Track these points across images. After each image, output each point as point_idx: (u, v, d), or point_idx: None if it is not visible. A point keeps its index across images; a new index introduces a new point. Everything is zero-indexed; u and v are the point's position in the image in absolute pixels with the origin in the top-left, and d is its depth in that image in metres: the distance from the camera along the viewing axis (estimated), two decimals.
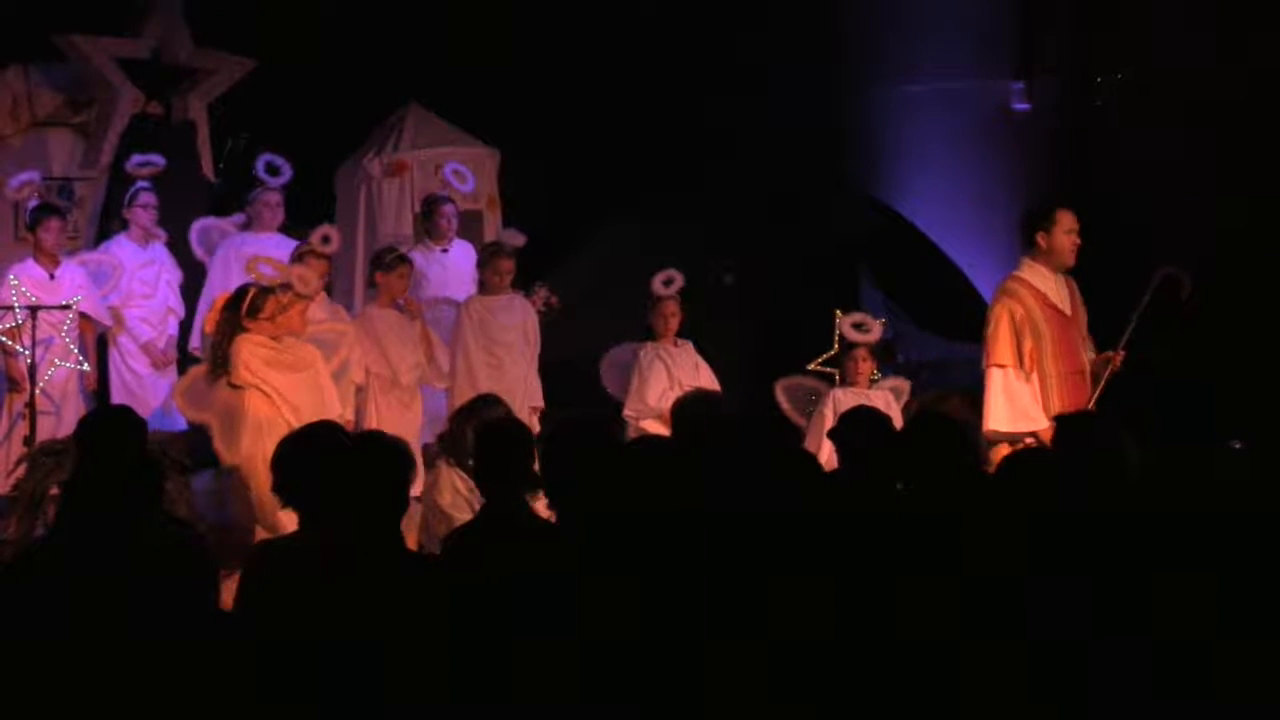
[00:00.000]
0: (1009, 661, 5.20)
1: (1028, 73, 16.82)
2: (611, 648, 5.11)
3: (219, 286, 12.30)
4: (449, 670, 5.20)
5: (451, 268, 13.14)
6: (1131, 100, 15.47)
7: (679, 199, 16.04)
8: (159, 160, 13.53)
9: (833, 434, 7.40)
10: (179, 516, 10.12)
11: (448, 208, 13.36)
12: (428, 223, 13.34)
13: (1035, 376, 9.61)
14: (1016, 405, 9.54)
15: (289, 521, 9.56)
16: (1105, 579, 5.40)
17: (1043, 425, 9.39)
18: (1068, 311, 9.76)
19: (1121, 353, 9.74)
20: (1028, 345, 9.58)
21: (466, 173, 14.33)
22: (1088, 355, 9.83)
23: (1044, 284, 9.70)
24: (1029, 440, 9.46)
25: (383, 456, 5.83)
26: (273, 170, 13.41)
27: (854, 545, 5.80)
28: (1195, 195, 14.20)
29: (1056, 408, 9.40)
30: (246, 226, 13.26)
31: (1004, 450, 9.17)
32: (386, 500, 5.75)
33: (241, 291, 10.70)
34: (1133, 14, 15.44)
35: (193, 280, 13.43)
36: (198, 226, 13.33)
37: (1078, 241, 9.72)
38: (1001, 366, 9.59)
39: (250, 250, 12.32)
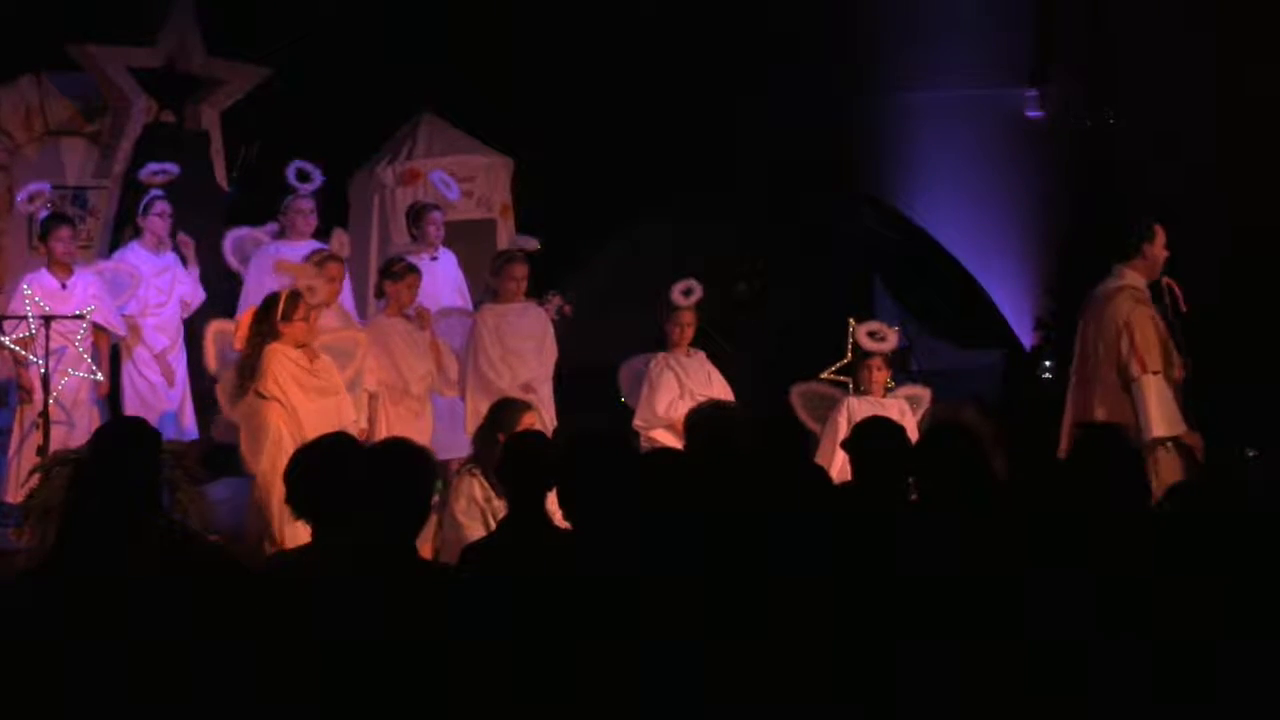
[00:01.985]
0: (1013, 661, 5.22)
1: (1041, 80, 16.84)
2: (619, 650, 5.12)
3: (255, 296, 12.18)
4: (464, 677, 5.21)
5: (439, 275, 13.16)
6: (1143, 107, 15.48)
7: (690, 204, 16.05)
8: (173, 168, 13.53)
9: (847, 444, 7.39)
10: (190, 526, 10.14)
11: (436, 214, 13.40)
12: (416, 229, 13.34)
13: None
14: (1171, 410, 9.76)
15: (298, 537, 9.64)
16: (1110, 580, 5.42)
17: (1183, 429, 9.73)
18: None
19: (1188, 360, 9.94)
20: (1172, 353, 9.74)
21: (451, 180, 14.36)
22: None
23: (1145, 291, 9.98)
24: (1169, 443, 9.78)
25: (405, 463, 5.81)
26: (304, 176, 13.39)
27: (866, 548, 5.81)
28: (1210, 200, 14.20)
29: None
30: (281, 235, 13.23)
31: (1162, 454, 9.63)
32: (406, 507, 5.73)
33: (272, 299, 10.74)
34: (1146, 20, 15.43)
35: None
36: (231, 236, 13.29)
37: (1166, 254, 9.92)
38: (1157, 373, 9.72)
39: (284, 259, 12.33)
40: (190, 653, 5.34)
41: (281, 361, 10.47)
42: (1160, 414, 9.71)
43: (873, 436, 7.23)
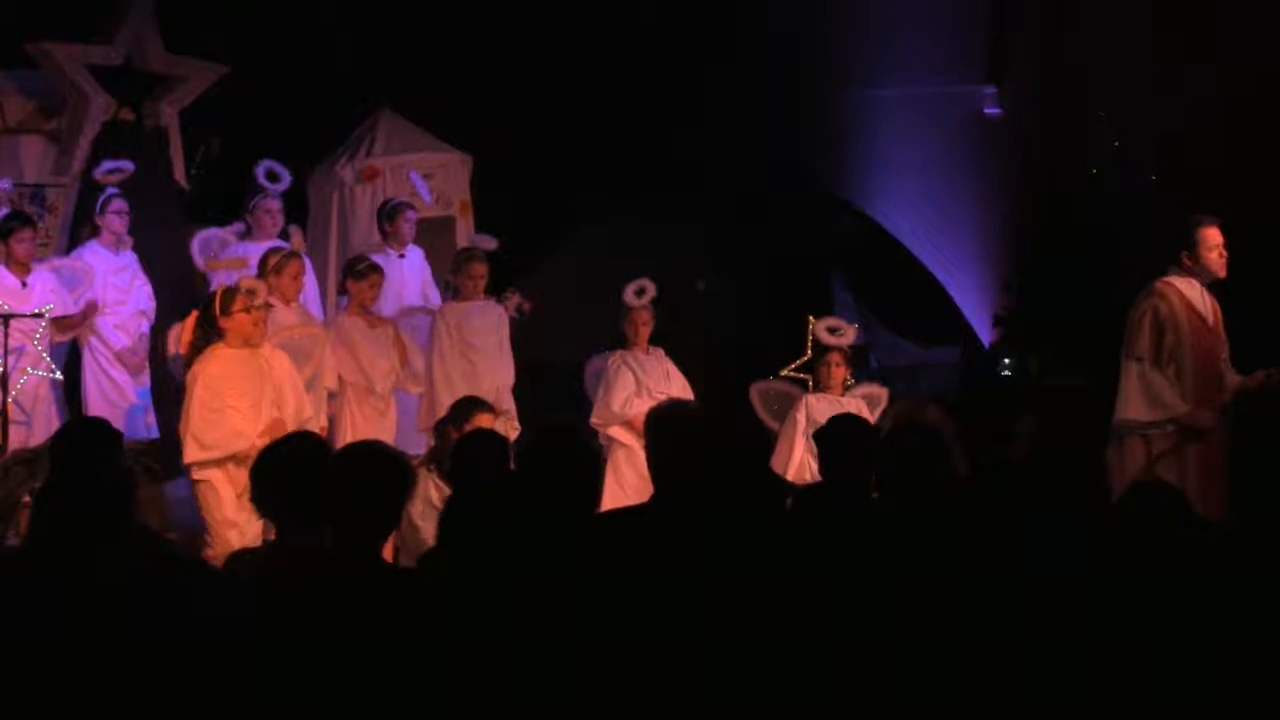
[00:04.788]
0: (1006, 661, 5.24)
1: (1000, 77, 16.88)
2: (604, 649, 5.12)
3: None
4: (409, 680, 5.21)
5: (407, 273, 13.18)
6: (1105, 109, 15.54)
7: (650, 202, 16.06)
8: (128, 166, 13.47)
9: (819, 435, 7.34)
10: (150, 526, 10.13)
11: (410, 213, 13.44)
12: (390, 226, 13.34)
13: (1172, 370, 9.90)
14: (1154, 396, 9.84)
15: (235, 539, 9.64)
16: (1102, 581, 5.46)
17: (1181, 410, 9.77)
18: (1210, 320, 10.04)
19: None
20: (1169, 340, 9.87)
21: (425, 184, 14.41)
22: (1230, 372, 10.07)
23: (1190, 291, 10.01)
24: (1169, 429, 9.83)
25: (378, 469, 5.79)
26: (273, 177, 13.37)
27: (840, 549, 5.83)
28: (1165, 195, 14.27)
29: (1190, 402, 9.84)
30: (247, 235, 13.22)
31: (1137, 442, 9.72)
32: (374, 514, 5.72)
33: (209, 299, 10.68)
34: (1104, 17, 15.48)
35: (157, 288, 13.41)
36: (199, 237, 13.25)
37: (1225, 254, 10.01)
38: (1139, 359, 9.85)
39: (252, 258, 12.31)
40: (161, 654, 5.33)
41: (207, 369, 10.38)
42: (1136, 399, 9.82)
43: (843, 434, 7.20)
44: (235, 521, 10.11)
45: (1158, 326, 9.88)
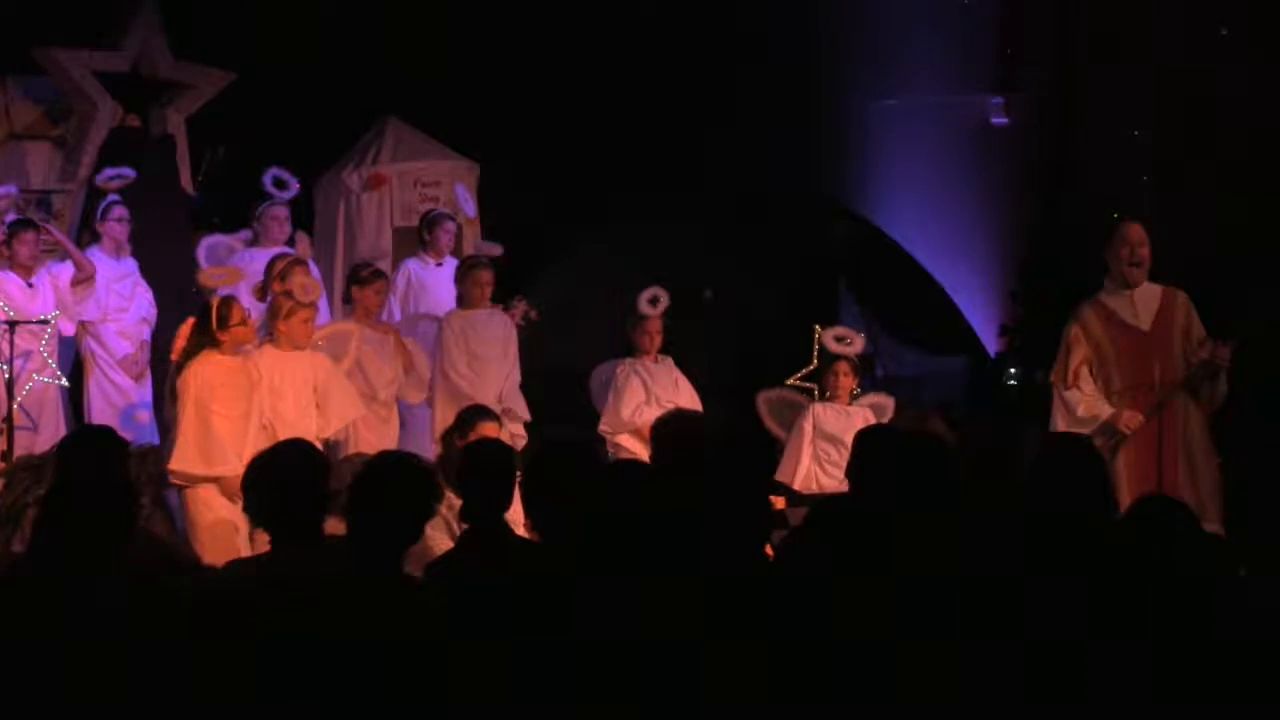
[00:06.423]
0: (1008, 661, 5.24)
1: (1007, 88, 16.89)
2: (606, 650, 5.12)
3: None
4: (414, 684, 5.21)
5: (445, 282, 13.18)
6: (1108, 114, 15.55)
7: (656, 210, 16.04)
8: (129, 173, 13.44)
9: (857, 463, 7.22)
10: (155, 532, 10.12)
11: (450, 224, 13.45)
12: (429, 236, 13.35)
13: (1089, 385, 9.95)
14: (1074, 414, 9.89)
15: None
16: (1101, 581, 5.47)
17: (1105, 415, 9.82)
18: (1143, 327, 9.97)
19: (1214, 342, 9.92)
20: (1074, 361, 9.94)
21: (469, 196, 14.49)
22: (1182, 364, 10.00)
23: (1115, 302, 10.00)
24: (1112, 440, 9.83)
25: (405, 479, 5.78)
26: (280, 184, 13.37)
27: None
28: (1171, 208, 14.27)
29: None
30: (254, 242, 13.21)
31: None
32: (399, 523, 5.72)
33: (206, 308, 10.65)
34: (1113, 28, 15.51)
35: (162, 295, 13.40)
36: (205, 243, 13.25)
37: (1137, 254, 9.92)
38: (1055, 384, 10.04)
39: (258, 265, 12.30)
40: (163, 659, 5.33)
41: (196, 378, 10.33)
42: (1056, 418, 9.90)
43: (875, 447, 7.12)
44: (227, 519, 10.13)
45: (1068, 348, 9.98)
